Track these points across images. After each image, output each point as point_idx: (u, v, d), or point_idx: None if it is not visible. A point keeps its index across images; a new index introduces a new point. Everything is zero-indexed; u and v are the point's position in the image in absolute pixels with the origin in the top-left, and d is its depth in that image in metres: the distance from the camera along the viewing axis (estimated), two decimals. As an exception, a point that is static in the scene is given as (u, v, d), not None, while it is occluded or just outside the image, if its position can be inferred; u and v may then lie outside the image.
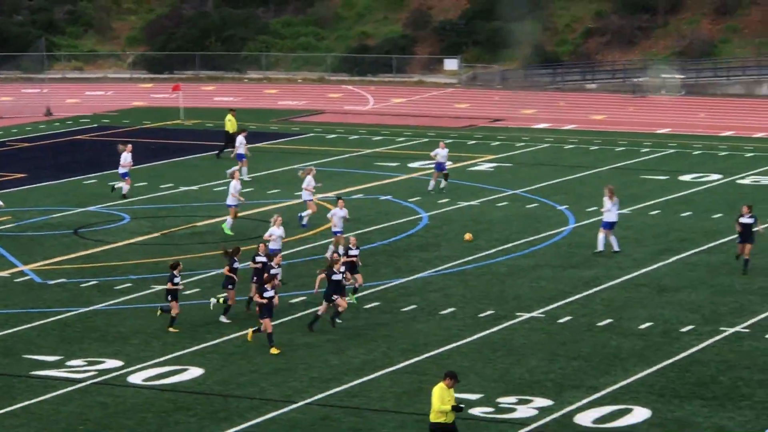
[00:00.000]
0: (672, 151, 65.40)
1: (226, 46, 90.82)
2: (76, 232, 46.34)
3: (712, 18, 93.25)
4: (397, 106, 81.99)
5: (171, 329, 34.69)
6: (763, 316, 36.51)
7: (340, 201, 43.25)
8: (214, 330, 34.94)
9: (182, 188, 54.31)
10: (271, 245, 39.79)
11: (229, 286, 35.80)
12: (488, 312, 37.58)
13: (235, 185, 44.08)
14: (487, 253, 42.81)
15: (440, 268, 41.39)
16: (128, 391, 30.16)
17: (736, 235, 40.67)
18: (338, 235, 41.25)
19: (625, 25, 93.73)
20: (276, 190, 53.80)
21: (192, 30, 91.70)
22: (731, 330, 35.37)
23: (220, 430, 27.72)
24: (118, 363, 31.78)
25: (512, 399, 30.94)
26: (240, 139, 54.43)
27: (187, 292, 36.58)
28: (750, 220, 40.64)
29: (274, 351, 33.57)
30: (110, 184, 52.31)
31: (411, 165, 58.30)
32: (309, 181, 47.84)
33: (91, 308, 36.84)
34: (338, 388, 29.46)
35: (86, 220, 48.75)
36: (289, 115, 76.42)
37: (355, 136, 67.08)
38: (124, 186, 50.11)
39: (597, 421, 29.38)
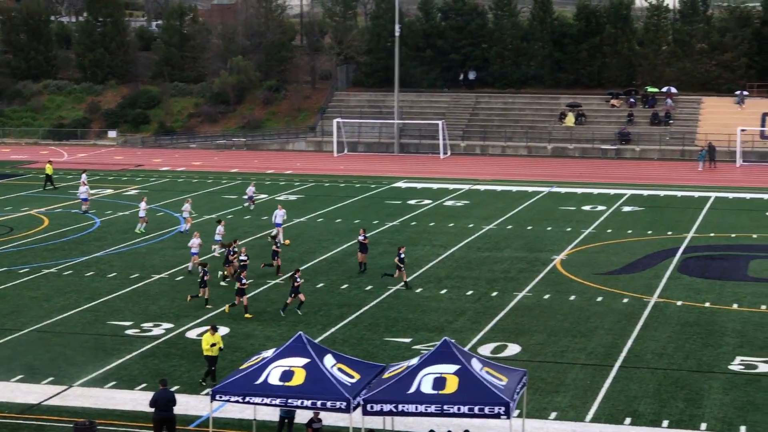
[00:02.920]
0: (239, 181, 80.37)
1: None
2: None
3: (261, 106, 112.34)
4: (81, 158, 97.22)
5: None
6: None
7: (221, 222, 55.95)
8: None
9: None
10: (193, 250, 50.42)
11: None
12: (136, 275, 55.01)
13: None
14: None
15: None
16: None
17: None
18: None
19: (211, 110, 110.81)
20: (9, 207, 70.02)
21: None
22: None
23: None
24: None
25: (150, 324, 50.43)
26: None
27: None
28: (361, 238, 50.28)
29: (248, 316, 42.47)
30: None
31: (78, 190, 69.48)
32: (186, 207, 60.37)
33: None
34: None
35: None
36: (17, 164, 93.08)
37: (55, 175, 79.93)
38: None
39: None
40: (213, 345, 34.21)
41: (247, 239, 56.55)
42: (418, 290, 46.99)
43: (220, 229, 54.29)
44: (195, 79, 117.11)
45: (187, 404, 32.34)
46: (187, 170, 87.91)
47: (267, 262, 50.03)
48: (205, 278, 44.24)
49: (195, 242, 50.07)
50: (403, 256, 48.04)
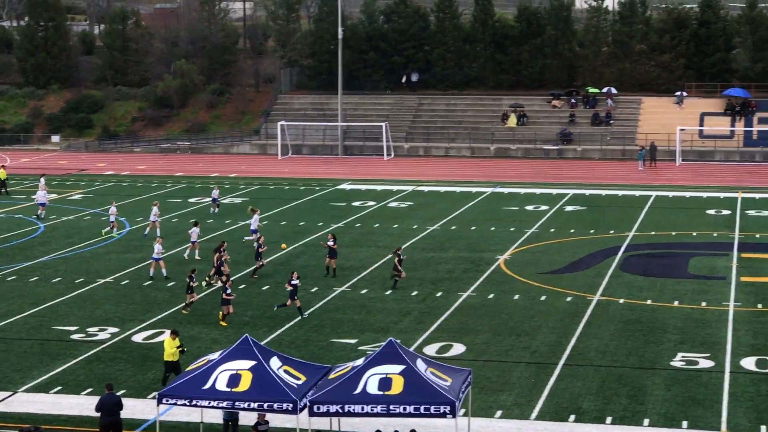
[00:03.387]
0: (184, 185, 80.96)
1: None
2: None
3: (205, 110, 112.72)
4: (24, 162, 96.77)
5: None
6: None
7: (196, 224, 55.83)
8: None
9: None
10: (155, 255, 49.83)
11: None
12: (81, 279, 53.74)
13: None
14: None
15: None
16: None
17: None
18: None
19: (155, 114, 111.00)
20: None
21: None
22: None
23: None
24: None
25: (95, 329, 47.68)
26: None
27: None
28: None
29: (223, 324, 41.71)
30: None
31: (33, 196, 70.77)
32: (155, 210, 60.26)
33: None
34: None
35: None
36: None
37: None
38: None
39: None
40: (179, 347, 33.72)
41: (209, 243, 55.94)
42: (363, 291, 46.95)
43: (196, 230, 54.11)
44: (138, 83, 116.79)
45: (134, 408, 32.03)
46: (131, 174, 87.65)
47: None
48: (192, 284, 43.53)
49: (157, 248, 49.47)
50: (402, 257, 49.07)
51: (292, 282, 42.95)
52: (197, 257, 53.67)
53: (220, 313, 42.20)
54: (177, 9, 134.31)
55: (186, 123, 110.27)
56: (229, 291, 42.25)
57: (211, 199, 68.87)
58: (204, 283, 47.65)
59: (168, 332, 35.39)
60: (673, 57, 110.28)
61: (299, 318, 42.57)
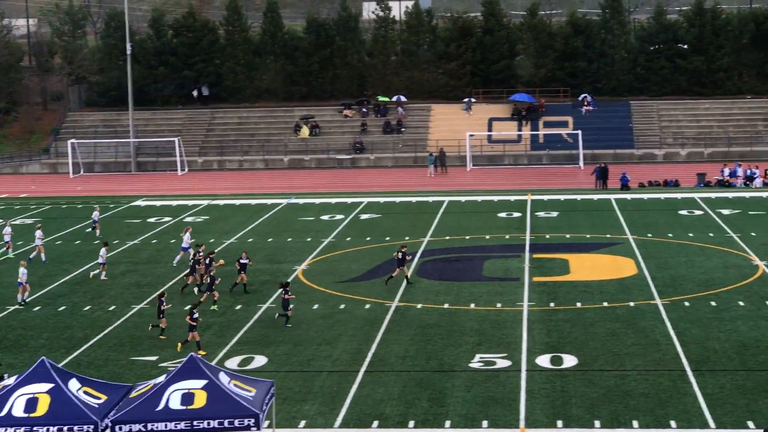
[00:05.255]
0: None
1: None
2: None
3: None
4: None
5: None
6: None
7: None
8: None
9: None
10: (20, 279, 48.43)
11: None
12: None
13: None
14: None
15: None
16: None
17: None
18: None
19: None
20: None
21: None
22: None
23: None
24: None
25: None
26: None
27: None
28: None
29: (201, 353, 38.93)
30: None
31: None
32: (38, 234, 59.01)
33: None
34: None
35: None
36: None
37: None
38: None
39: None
40: None
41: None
42: (166, 307, 46.92)
43: (103, 252, 52.79)
44: None
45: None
46: None
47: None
48: (162, 308, 41.99)
49: (22, 272, 47.60)
50: (406, 255, 50.12)
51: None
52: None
53: (188, 339, 40.15)
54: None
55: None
56: (196, 315, 40.14)
57: (92, 220, 66.25)
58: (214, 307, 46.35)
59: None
60: (460, 64, 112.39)
61: (97, 338, 41.91)
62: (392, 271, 51.41)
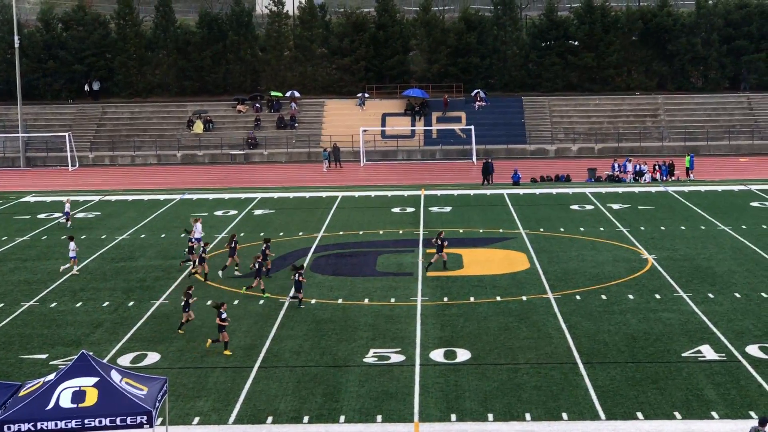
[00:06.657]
0: None
1: None
2: None
3: None
4: None
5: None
6: None
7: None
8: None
9: None
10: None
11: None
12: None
13: None
14: None
15: None
16: None
17: None
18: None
19: None
20: None
21: None
22: None
23: None
24: None
25: None
26: None
27: None
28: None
29: (227, 353, 38.80)
30: None
31: None
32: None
33: None
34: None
35: None
36: None
37: None
38: None
39: None
40: None
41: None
42: (53, 305, 45.80)
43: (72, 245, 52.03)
44: None
45: None
46: None
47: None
48: (190, 301, 41.14)
49: None
50: (444, 242, 51.55)
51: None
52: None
53: (218, 340, 39.12)
54: None
55: None
56: (224, 315, 38.92)
57: (63, 212, 66.04)
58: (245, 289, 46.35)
59: None
60: (353, 60, 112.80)
61: (-14, 336, 41.61)
62: (283, 266, 51.63)
